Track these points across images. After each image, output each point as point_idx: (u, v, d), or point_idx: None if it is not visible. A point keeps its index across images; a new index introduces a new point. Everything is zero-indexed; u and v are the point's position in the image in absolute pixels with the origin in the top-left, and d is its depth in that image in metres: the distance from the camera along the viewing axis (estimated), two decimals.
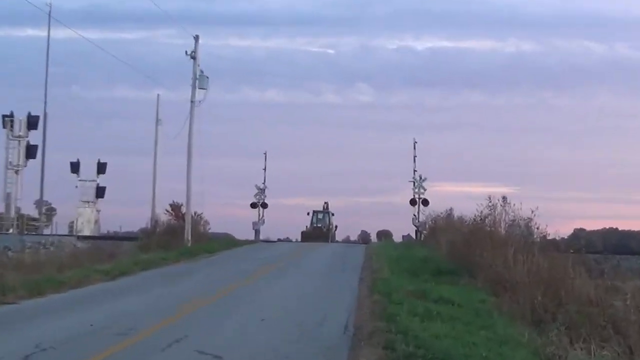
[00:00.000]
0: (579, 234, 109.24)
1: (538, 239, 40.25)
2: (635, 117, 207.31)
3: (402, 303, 27.60)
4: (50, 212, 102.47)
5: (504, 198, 46.36)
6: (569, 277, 31.76)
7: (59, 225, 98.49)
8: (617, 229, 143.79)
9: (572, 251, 37.04)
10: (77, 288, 34.27)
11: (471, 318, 26.05)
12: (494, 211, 45.89)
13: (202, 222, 75.50)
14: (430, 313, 25.51)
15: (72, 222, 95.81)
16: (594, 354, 21.03)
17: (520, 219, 43.56)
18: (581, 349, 21.49)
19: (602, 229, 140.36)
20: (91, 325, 22.45)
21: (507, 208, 45.15)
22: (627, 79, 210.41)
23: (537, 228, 42.37)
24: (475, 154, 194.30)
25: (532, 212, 42.55)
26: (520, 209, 43.85)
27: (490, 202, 46.54)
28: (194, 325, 23.16)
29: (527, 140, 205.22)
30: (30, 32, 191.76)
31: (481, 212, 47.73)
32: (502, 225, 45.19)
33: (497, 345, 20.89)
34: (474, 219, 50.17)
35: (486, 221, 46.89)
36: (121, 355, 18.07)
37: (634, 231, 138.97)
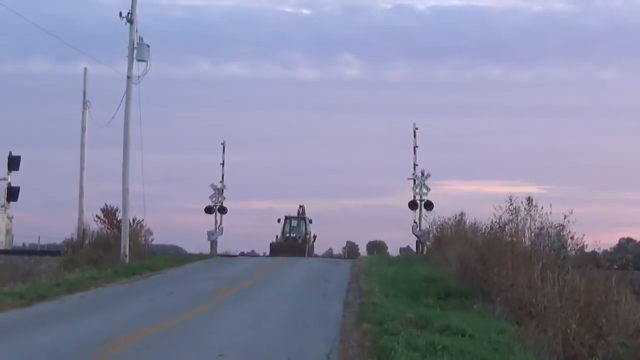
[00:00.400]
0: (625, 245, 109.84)
1: (573, 252, 39.81)
2: None
3: (398, 334, 27.37)
4: None
5: (529, 199, 44.78)
6: (611, 300, 31.58)
7: None
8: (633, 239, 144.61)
9: (616, 267, 36.95)
10: None
11: (486, 353, 25.83)
12: (517, 216, 44.73)
13: (143, 232, 74.79)
14: (434, 347, 25.33)
15: None
16: None
17: (550, 227, 42.84)
18: None
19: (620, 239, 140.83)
20: None
21: (532, 212, 43.94)
22: None
23: (572, 238, 41.66)
24: (492, 144, 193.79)
25: (565, 217, 41.50)
26: (550, 213, 43.00)
27: (512, 204, 45.12)
28: None
29: (560, 127, 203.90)
30: None
31: (500, 217, 46.51)
32: (527, 234, 44.41)
33: None
34: (491, 227, 49.19)
35: (506, 229, 45.79)
36: None
37: None
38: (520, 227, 44.67)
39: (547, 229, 43.17)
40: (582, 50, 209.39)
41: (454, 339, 27.52)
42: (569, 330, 28.25)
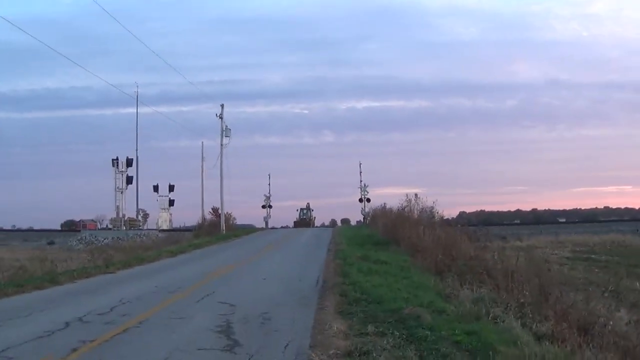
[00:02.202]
0: (462, 215, 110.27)
1: (438, 220, 39.48)
2: (487, 143, 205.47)
3: (353, 264, 26.53)
4: (146, 216, 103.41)
5: (416, 195, 46.51)
6: (457, 242, 31.02)
7: (151, 224, 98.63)
8: (484, 210, 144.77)
9: (459, 226, 36.36)
10: (153, 262, 33.33)
11: (397, 272, 24.78)
12: (410, 203, 45.90)
13: (231, 218, 74.63)
14: (371, 270, 24.41)
15: (157, 221, 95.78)
16: (476, 291, 19.90)
17: (427, 207, 43.27)
18: (467, 289, 20.34)
19: (475, 211, 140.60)
20: (155, 286, 21.55)
21: (418, 201, 45.25)
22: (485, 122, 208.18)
23: (437, 213, 42.40)
24: (396, 169, 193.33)
25: (433, 202, 43.47)
26: (427, 201, 44.48)
27: (407, 198, 47.00)
28: (220, 284, 21.94)
29: (428, 159, 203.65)
30: (131, 110, 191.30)
31: (402, 204, 47.91)
32: (415, 212, 44.71)
33: (413, 289, 19.76)
34: (398, 209, 49.54)
35: (405, 210, 46.68)
36: (172, 305, 17.01)
37: (494, 212, 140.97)
38: (412, 208, 45.51)
39: (425, 209, 43.32)
40: (434, 124, 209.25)
41: (380, 266, 26.39)
42: (437, 258, 27.25)
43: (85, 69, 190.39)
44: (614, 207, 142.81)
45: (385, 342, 12.11)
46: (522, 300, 18.65)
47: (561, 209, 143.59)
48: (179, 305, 16.98)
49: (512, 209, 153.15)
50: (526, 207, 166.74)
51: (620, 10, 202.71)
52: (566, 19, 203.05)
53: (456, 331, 13.02)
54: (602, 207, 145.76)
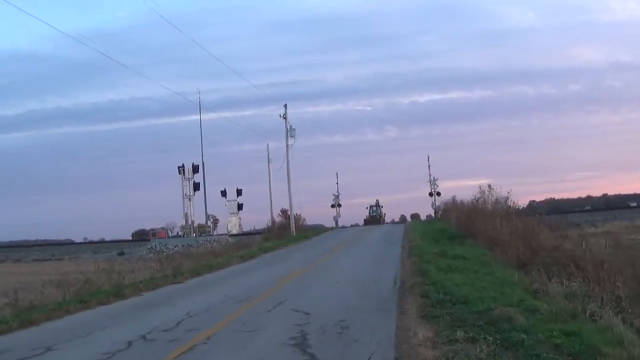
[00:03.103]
0: (532, 204, 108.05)
1: (514, 210, 37.64)
2: (552, 130, 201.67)
3: (431, 261, 25.21)
4: (215, 221, 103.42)
5: (489, 186, 44.41)
6: (536, 233, 29.56)
7: (221, 229, 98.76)
8: (554, 198, 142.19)
9: (536, 215, 34.84)
10: (222, 269, 32.32)
11: (478, 267, 23.68)
12: (484, 195, 44.17)
13: (300, 219, 74.71)
14: (450, 267, 23.16)
15: (226, 226, 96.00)
16: (565, 285, 18.44)
17: (501, 198, 41.23)
18: (556, 283, 18.90)
19: (545, 199, 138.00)
20: (225, 295, 20.48)
21: (492, 192, 43.21)
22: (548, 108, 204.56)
23: (513, 203, 40.05)
24: (463, 161, 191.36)
25: (508, 192, 40.82)
26: (500, 192, 42.21)
27: (480, 189, 45.37)
28: (292, 290, 20.84)
29: (495, 149, 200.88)
30: (194, 117, 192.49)
31: (475, 196, 46.58)
32: (489, 203, 42.98)
33: (499, 286, 18.57)
34: (472, 201, 48.25)
35: (479, 202, 45.22)
36: (242, 316, 15.84)
37: (564, 199, 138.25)
38: (486, 200, 43.72)
39: (499, 200, 41.40)
40: (500, 114, 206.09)
41: (459, 261, 25.19)
42: (518, 251, 25.80)
43: (148, 77, 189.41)
44: None
45: (478, 349, 10.88)
46: (618, 294, 17.24)
47: (632, 192, 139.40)
48: (250, 316, 15.86)
49: (583, 196, 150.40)
50: (596, 192, 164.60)
51: None
52: None
53: (554, 333, 11.83)
54: None
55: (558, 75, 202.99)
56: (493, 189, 43.29)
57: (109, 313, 18.54)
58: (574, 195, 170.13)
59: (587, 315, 14.09)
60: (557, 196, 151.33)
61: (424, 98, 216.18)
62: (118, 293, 22.59)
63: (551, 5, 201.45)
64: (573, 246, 25.50)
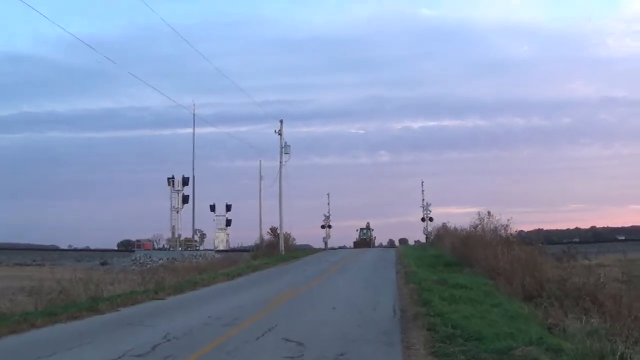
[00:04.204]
0: (521, 233, 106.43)
1: (515, 238, 35.82)
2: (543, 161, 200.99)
3: (432, 290, 23.46)
4: (202, 236, 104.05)
5: (489, 212, 42.22)
6: (539, 263, 27.73)
7: (208, 244, 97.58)
8: (542, 229, 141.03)
9: (540, 244, 32.79)
10: (207, 287, 30.45)
11: (482, 298, 21.68)
12: (482, 221, 42.15)
13: (290, 238, 72.92)
14: (454, 297, 21.19)
15: (213, 241, 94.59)
16: (584, 322, 16.70)
17: (501, 225, 39.27)
18: (575, 318, 17.21)
19: (533, 229, 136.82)
20: (209, 317, 18.52)
21: (491, 219, 41.20)
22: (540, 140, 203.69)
23: (513, 231, 38.61)
24: (454, 189, 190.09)
25: (508, 220, 39.09)
26: (500, 219, 40.23)
27: (480, 216, 43.15)
28: (283, 315, 18.97)
29: (486, 178, 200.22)
30: (188, 130, 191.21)
31: (474, 222, 44.27)
32: (488, 230, 40.92)
33: (511, 320, 16.73)
34: (470, 227, 45.85)
35: (477, 228, 43.04)
36: (226, 344, 13.93)
37: (553, 230, 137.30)
38: (485, 227, 41.61)
39: (498, 227, 39.45)
40: (491, 142, 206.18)
41: (462, 291, 23.25)
42: (524, 282, 24.00)
43: (147, 83, 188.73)
44: None
45: None
46: None
47: (619, 226, 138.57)
48: (235, 344, 13.96)
49: (571, 227, 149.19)
50: (584, 224, 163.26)
51: None
52: (620, 35, 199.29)
53: None
54: None
55: (551, 107, 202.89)
56: (492, 215, 41.43)
57: (79, 329, 16.70)
58: (563, 226, 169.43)
59: (617, 357, 12.33)
60: (546, 227, 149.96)
61: (417, 124, 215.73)
62: (93, 307, 20.74)
63: (547, 39, 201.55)
64: (582, 278, 23.71)
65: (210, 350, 13.17)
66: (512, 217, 38.94)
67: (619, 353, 12.54)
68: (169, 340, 14.56)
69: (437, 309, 18.12)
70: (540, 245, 32.99)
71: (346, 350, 13.02)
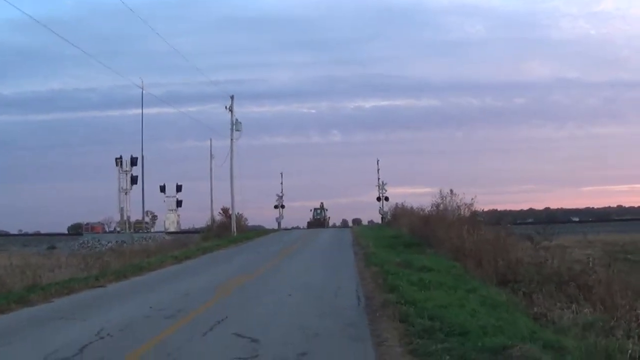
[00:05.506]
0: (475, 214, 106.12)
1: (480, 217, 34.18)
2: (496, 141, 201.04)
3: (397, 273, 21.41)
4: (153, 218, 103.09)
5: (451, 191, 40.08)
6: (509, 244, 26.14)
7: (159, 226, 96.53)
8: (497, 209, 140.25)
9: (509, 225, 31.62)
10: (153, 271, 28.53)
11: (454, 282, 19.61)
12: (445, 200, 40.03)
13: (242, 219, 70.61)
14: (423, 281, 19.17)
15: (164, 223, 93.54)
16: (575, 312, 14.84)
17: (464, 205, 37.46)
18: (565, 309, 15.35)
19: (487, 210, 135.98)
20: (150, 307, 16.47)
21: (454, 198, 39.12)
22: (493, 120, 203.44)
23: (479, 210, 37.38)
24: (406, 169, 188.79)
25: (472, 199, 37.36)
26: (464, 197, 38.12)
27: (441, 194, 40.86)
28: (234, 304, 16.93)
29: (439, 158, 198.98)
30: (136, 111, 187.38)
31: (436, 201, 41.99)
32: (451, 209, 38.96)
33: (492, 309, 14.82)
34: (432, 207, 43.67)
35: (440, 207, 40.86)
36: (168, 341, 11.95)
37: (507, 210, 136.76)
38: (448, 206, 39.45)
39: (461, 206, 37.62)
40: (443, 122, 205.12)
41: (430, 274, 21.22)
42: (497, 265, 22.25)
43: (98, 60, 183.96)
44: (627, 205, 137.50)
45: None
46: None
47: (573, 207, 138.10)
48: (178, 341, 11.86)
49: (525, 208, 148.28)
50: (539, 205, 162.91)
51: (628, 8, 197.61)
52: (574, 17, 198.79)
53: None
54: (615, 205, 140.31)
55: (505, 88, 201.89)
56: (455, 194, 39.32)
57: (0, 327, 14.43)
58: (517, 207, 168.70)
59: (629, 356, 10.42)
60: (501, 207, 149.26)
61: (369, 103, 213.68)
62: (23, 298, 18.52)
63: (502, 19, 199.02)
64: (560, 261, 21.95)
65: (147, 351, 11.08)
66: (475, 196, 37.30)
67: (629, 352, 10.67)
68: (101, 337, 12.42)
69: (407, 296, 16.12)
70: (508, 225, 31.34)
71: (308, 348, 11.00)
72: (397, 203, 76.04)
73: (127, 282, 24.26)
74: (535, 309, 15.78)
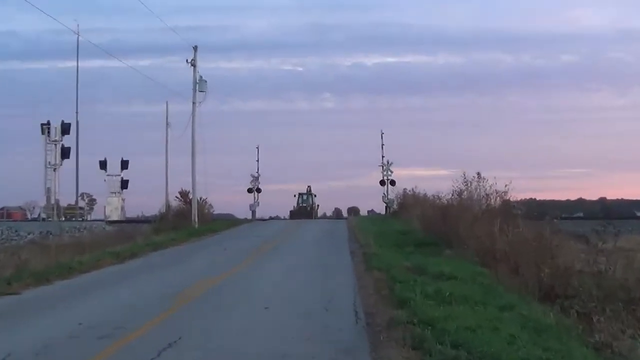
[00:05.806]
0: (507, 204, 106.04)
1: (517, 211, 33.61)
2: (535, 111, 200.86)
3: (408, 281, 21.32)
4: (91, 202, 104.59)
5: (479, 174, 39.00)
6: (559, 246, 25.64)
7: (98, 213, 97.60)
8: (534, 199, 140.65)
9: (555, 220, 30.11)
10: (87, 273, 28.21)
11: (482, 296, 19.31)
12: (470, 186, 39.18)
13: (206, 206, 70.86)
14: (442, 293, 18.89)
15: (104, 209, 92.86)
16: None
17: (496, 193, 36.99)
18: (633, 337, 15.08)
19: (522, 199, 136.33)
20: (80, 324, 15.90)
21: (482, 183, 38.29)
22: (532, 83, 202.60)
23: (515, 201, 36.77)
24: (417, 145, 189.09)
25: (506, 186, 36.45)
26: (495, 184, 37.21)
27: (465, 178, 39.67)
28: (192, 320, 16.52)
29: (459, 131, 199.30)
30: (70, 63, 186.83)
31: (457, 188, 40.93)
32: (477, 199, 38.65)
33: (535, 334, 14.53)
34: (451, 194, 42.95)
35: (462, 196, 40.18)
36: None
37: (548, 200, 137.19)
38: (473, 194, 39.02)
39: (491, 195, 37.24)
40: (466, 86, 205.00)
41: (450, 284, 20.95)
42: (540, 274, 21.86)
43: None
44: None
45: None
46: None
47: (638, 198, 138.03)
48: None
49: (572, 198, 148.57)
50: (591, 195, 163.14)
51: None
52: None
53: None
54: None
55: (547, 42, 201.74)
56: (483, 179, 38.39)
57: None
58: (562, 196, 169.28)
59: None
60: (540, 196, 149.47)
61: (371, 60, 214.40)
62: None
63: None
64: (625, 270, 21.62)
65: None
66: (510, 182, 36.65)
67: None
68: None
69: (422, 314, 15.85)
70: (554, 220, 30.81)
71: None
72: (405, 189, 75.70)
73: (50, 287, 24.03)
74: (597, 337, 15.60)
